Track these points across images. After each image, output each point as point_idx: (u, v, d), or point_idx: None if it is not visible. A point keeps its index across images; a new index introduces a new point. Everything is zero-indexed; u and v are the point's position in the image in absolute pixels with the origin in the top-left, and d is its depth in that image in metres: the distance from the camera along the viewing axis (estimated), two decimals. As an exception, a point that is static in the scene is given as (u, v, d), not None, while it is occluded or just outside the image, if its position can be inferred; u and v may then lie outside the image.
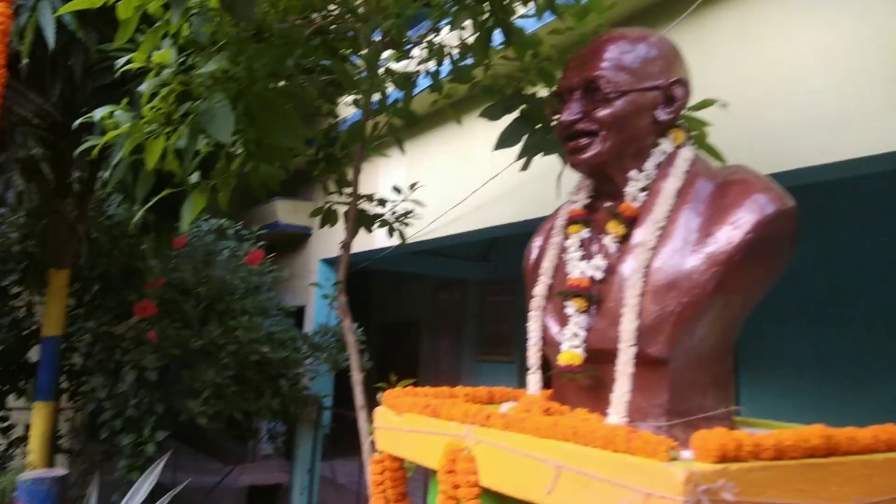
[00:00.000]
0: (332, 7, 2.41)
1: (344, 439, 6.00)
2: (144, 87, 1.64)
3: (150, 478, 3.21)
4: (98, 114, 1.70)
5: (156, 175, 2.01)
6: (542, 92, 2.30)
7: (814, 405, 4.42)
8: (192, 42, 1.87)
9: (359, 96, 2.48)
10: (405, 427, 1.32)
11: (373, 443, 2.10)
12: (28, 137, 2.70)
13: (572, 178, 1.66)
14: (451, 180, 4.82)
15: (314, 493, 5.25)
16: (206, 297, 4.43)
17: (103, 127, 1.81)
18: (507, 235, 5.03)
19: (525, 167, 2.26)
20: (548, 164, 2.23)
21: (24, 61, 2.41)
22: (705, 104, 1.98)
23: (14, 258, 4.08)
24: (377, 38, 2.45)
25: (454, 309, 8.58)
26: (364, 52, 2.41)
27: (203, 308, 4.40)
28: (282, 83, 2.12)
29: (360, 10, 2.42)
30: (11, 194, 2.66)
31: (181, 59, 1.72)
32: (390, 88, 2.50)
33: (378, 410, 1.45)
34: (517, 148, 2.19)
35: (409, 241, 3.15)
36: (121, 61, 1.69)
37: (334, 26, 2.38)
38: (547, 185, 2.33)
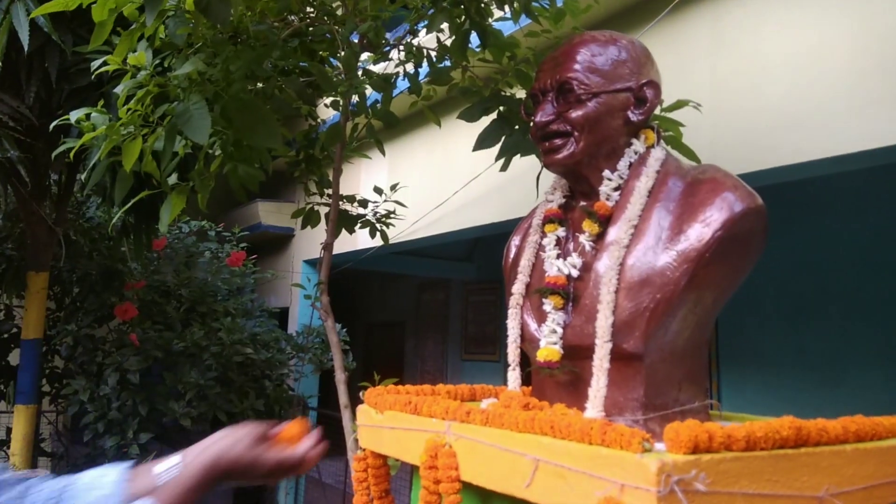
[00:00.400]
0: (309, 9, 2.42)
1: (329, 439, 5.98)
2: (121, 89, 1.64)
3: (133, 481, 3.18)
4: (74, 116, 1.69)
5: (134, 177, 2.01)
6: (520, 93, 2.33)
7: (792, 400, 4.49)
8: (169, 44, 1.87)
9: (337, 98, 2.49)
10: (387, 424, 1.33)
11: (356, 441, 2.11)
12: (4, 140, 2.68)
13: (551, 178, 1.68)
14: (433, 181, 4.83)
15: (300, 493, 5.24)
16: (188, 299, 4.40)
17: (80, 129, 1.80)
18: (490, 236, 5.06)
19: (504, 168, 2.28)
20: (528, 164, 2.26)
21: (-1, 64, 2.39)
22: (679, 105, 2.01)
23: (-8, 261, 4.04)
24: (355, 39, 2.46)
25: (438, 309, 8.61)
26: (342, 53, 2.42)
27: (185, 310, 4.38)
28: (259, 85, 2.12)
29: (338, 12, 2.43)
30: (-11, 198, 2.65)
31: (157, 62, 1.72)
32: (369, 91, 2.51)
33: (361, 408, 1.46)
34: (497, 148, 2.21)
35: (392, 241, 3.16)
36: (96, 63, 1.68)
37: (312, 28, 2.38)
38: (528, 186, 2.36)
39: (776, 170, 2.62)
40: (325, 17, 2.37)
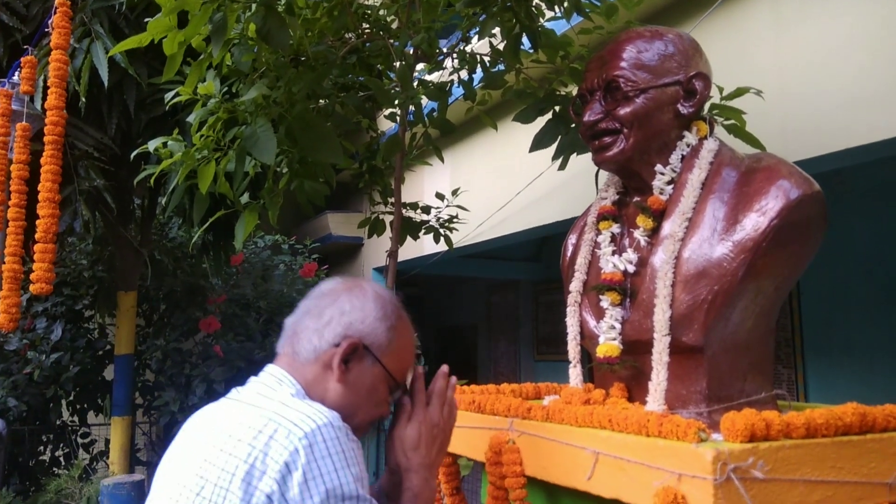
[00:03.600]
0: (364, 25, 2.50)
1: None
2: (194, 118, 1.75)
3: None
4: (152, 145, 1.82)
5: (210, 198, 2.14)
6: (575, 91, 2.33)
7: (886, 390, 4.26)
8: (235, 71, 1.99)
9: (395, 110, 2.56)
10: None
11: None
12: (90, 170, 2.89)
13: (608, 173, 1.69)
14: (495, 183, 4.86)
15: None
16: (266, 310, 4.59)
17: (159, 156, 1.94)
18: (557, 234, 5.04)
19: (562, 166, 2.29)
20: (589, 160, 2.25)
21: (83, 100, 2.59)
22: (740, 92, 1.97)
23: (85, 283, 4.35)
24: (409, 51, 2.52)
25: (509, 310, 8.61)
26: (398, 65, 2.49)
27: (264, 321, 4.57)
28: (321, 102, 2.21)
29: (393, 25, 2.50)
30: (79, 224, 2.87)
31: (225, 89, 1.83)
32: (425, 100, 2.57)
33: (428, 410, 1.51)
34: (554, 147, 2.23)
35: (457, 245, 3.21)
36: (170, 95, 1.81)
37: (368, 44, 2.46)
38: (590, 182, 2.35)
39: (853, 150, 2.51)
40: (381, 32, 2.45)
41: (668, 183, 1.25)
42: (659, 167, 1.26)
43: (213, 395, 4.03)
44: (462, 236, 3.46)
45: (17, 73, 2.07)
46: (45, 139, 1.59)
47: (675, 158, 1.26)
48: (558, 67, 2.36)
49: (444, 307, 10.18)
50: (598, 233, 1.35)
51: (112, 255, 3.92)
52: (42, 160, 1.55)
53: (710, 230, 1.15)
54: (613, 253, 1.28)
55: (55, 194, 1.52)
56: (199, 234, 2.18)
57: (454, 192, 3.20)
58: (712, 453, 0.80)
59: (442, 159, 2.86)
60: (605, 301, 1.24)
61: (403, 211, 2.73)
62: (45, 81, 2.46)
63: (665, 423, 0.88)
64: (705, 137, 1.28)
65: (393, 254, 2.69)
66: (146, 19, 1.80)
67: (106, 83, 2.42)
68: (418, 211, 3.02)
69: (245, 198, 2.04)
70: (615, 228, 1.32)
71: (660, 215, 1.23)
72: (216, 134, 1.84)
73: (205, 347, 4.17)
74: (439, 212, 3.14)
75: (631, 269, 1.24)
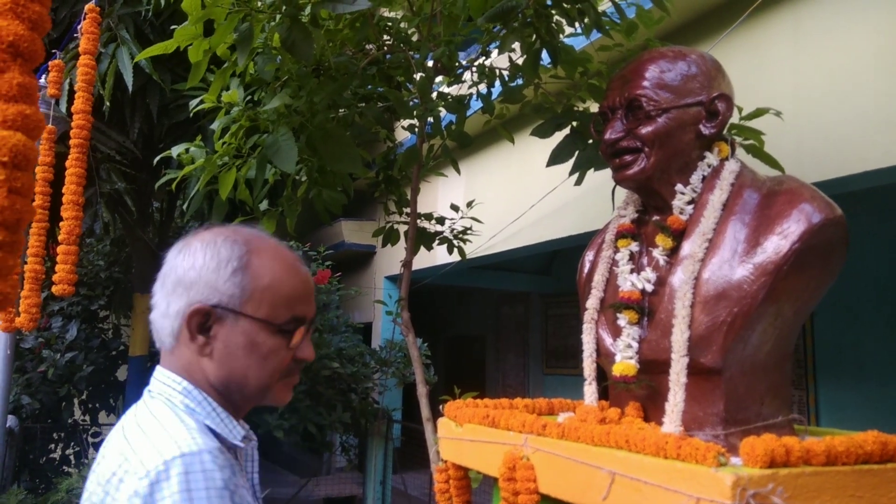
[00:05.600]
0: (385, 37, 2.52)
1: (414, 452, 6.09)
2: (217, 125, 1.78)
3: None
4: (175, 151, 1.84)
5: (228, 203, 2.16)
6: (594, 107, 2.34)
7: (898, 414, 4.22)
8: (257, 79, 2.02)
9: (413, 121, 2.58)
10: (467, 437, 1.38)
11: (437, 453, 2.16)
12: (111, 173, 2.92)
13: (627, 191, 1.69)
14: (509, 196, 4.87)
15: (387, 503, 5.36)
16: (278, 317, 4.60)
17: (180, 161, 1.96)
18: (568, 248, 5.04)
19: (579, 182, 2.29)
20: (605, 175, 2.26)
21: (107, 103, 2.63)
22: (759, 113, 1.97)
23: (101, 284, 4.39)
24: (430, 63, 2.54)
25: (518, 322, 8.60)
26: (418, 77, 2.51)
27: (275, 327, 4.57)
28: (341, 112, 2.23)
29: (413, 38, 2.53)
30: (98, 226, 2.89)
31: (247, 97, 1.85)
32: (443, 112, 2.59)
33: (441, 421, 1.51)
34: (571, 162, 2.23)
35: (470, 256, 3.21)
36: (194, 102, 1.83)
37: (389, 56, 2.48)
38: (605, 197, 2.36)
39: (867, 174, 2.51)
40: (401, 45, 2.47)
41: (689, 203, 1.25)
42: (679, 187, 1.26)
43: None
44: (474, 248, 3.46)
45: (43, 77, 2.11)
46: (71, 142, 1.61)
47: (695, 178, 1.26)
48: (576, 83, 2.37)
49: (453, 317, 10.17)
50: (617, 250, 1.35)
51: (129, 256, 3.96)
52: (67, 163, 1.57)
53: (730, 252, 1.15)
54: (632, 271, 1.28)
55: (79, 197, 1.54)
56: (218, 240, 2.19)
57: (469, 205, 3.21)
58: (732, 478, 0.80)
59: (458, 171, 2.87)
60: (623, 319, 1.23)
61: (418, 221, 2.74)
62: (70, 85, 2.50)
63: (684, 446, 0.88)
64: (727, 158, 1.28)
65: (407, 264, 2.70)
66: (172, 27, 1.84)
67: (130, 88, 2.45)
68: (433, 222, 3.03)
69: (264, 205, 2.06)
70: (634, 246, 1.32)
71: (679, 235, 1.23)
72: (238, 141, 1.86)
73: (217, 351, 4.18)
74: (453, 223, 3.15)
75: (649, 287, 1.24)
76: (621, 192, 2.08)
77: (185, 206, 2.17)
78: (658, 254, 1.24)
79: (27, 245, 1.67)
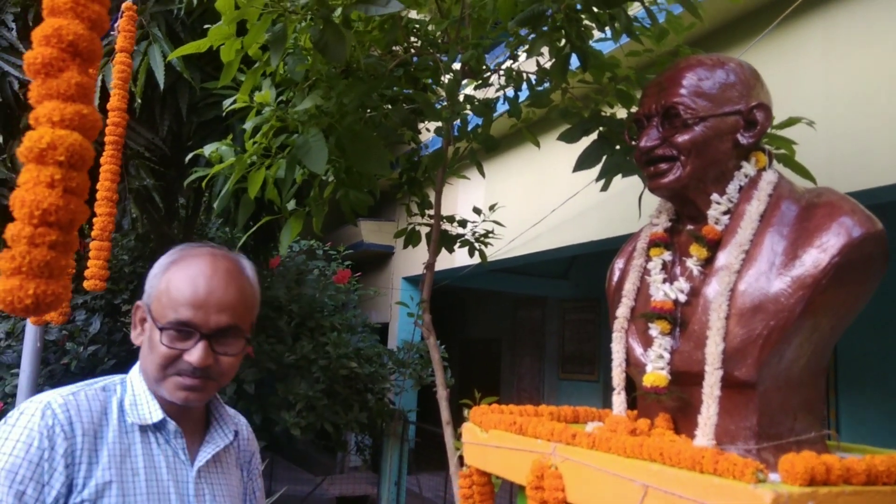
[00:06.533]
0: (413, 39, 2.53)
1: (429, 454, 6.09)
2: (249, 125, 1.78)
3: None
4: (208, 149, 1.86)
5: (254, 203, 2.17)
6: (621, 113, 2.32)
7: (922, 431, 4.14)
8: (287, 80, 2.03)
9: (439, 124, 2.58)
10: (492, 443, 1.37)
11: (460, 458, 2.16)
12: (140, 169, 2.95)
13: (654, 197, 1.67)
14: (529, 200, 4.86)
15: (400, 506, 5.36)
16: (298, 314, 4.64)
17: (208, 159, 1.97)
18: (587, 253, 5.02)
19: (605, 188, 2.28)
20: (628, 181, 2.25)
21: (138, 101, 2.65)
22: (791, 122, 1.95)
23: (125, 278, 4.44)
24: (457, 66, 2.54)
25: (535, 326, 8.57)
26: (445, 79, 2.50)
27: (295, 324, 4.61)
28: (369, 113, 2.24)
29: (441, 40, 2.53)
30: (127, 221, 2.92)
31: (277, 97, 1.86)
32: (470, 115, 2.58)
33: (466, 426, 1.51)
34: (596, 168, 2.22)
35: (490, 259, 3.21)
36: (228, 101, 1.84)
37: (416, 58, 2.49)
38: (627, 203, 2.34)
39: (898, 185, 2.47)
40: (429, 48, 2.47)
41: (724, 213, 1.24)
42: (715, 196, 1.25)
43: (242, 394, 4.08)
44: (494, 251, 3.45)
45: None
46: (106, 139, 1.63)
47: (732, 188, 1.25)
48: (602, 88, 2.36)
49: (469, 320, 10.16)
50: (649, 259, 1.33)
51: (154, 252, 4.00)
52: (102, 160, 1.59)
53: (767, 264, 1.14)
54: (664, 281, 1.27)
55: (113, 193, 1.56)
56: (246, 238, 2.21)
57: (491, 208, 3.21)
58: (771, 495, 0.78)
59: (483, 174, 2.87)
60: (655, 329, 1.22)
61: (440, 224, 2.74)
62: (102, 82, 2.53)
63: (721, 461, 0.87)
64: (764, 169, 1.26)
65: (430, 266, 2.70)
66: (206, 26, 1.85)
67: (162, 85, 2.48)
68: (455, 224, 3.03)
69: (291, 204, 2.07)
70: (666, 256, 1.30)
71: (714, 245, 1.22)
72: (268, 141, 1.87)
73: (237, 348, 4.22)
74: (475, 226, 3.14)
75: (682, 298, 1.22)
76: (650, 200, 2.06)
77: (214, 204, 2.19)
78: (692, 264, 1.23)
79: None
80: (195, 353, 1.05)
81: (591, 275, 7.33)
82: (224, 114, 2.03)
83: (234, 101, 1.82)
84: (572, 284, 7.80)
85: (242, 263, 1.18)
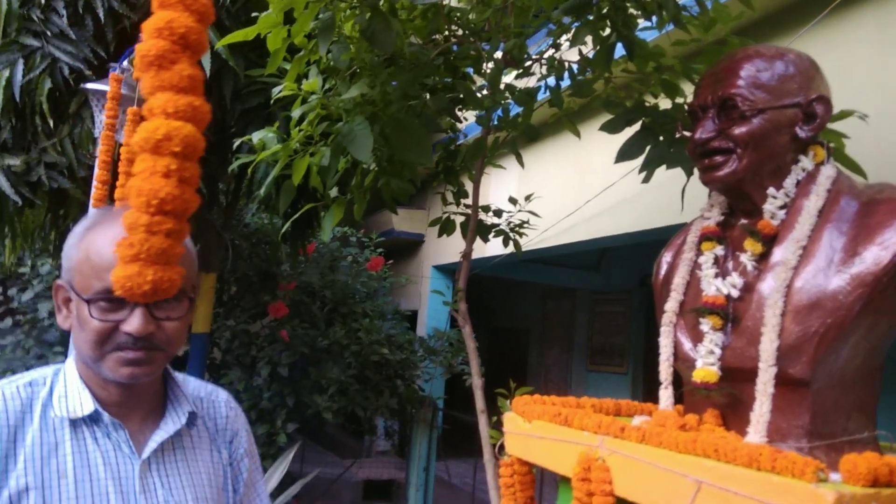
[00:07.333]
0: (453, 27, 2.51)
1: (456, 441, 6.12)
2: (296, 113, 1.80)
3: (281, 466, 3.45)
4: (256, 137, 1.88)
5: (295, 189, 2.19)
6: (664, 103, 2.29)
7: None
8: (332, 68, 2.03)
9: (480, 112, 2.57)
10: (535, 433, 1.37)
11: (494, 447, 2.17)
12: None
13: (697, 190, 1.65)
14: (563, 190, 4.82)
15: (429, 491, 5.40)
16: (331, 300, 4.69)
17: (251, 146, 2.00)
18: (619, 246, 4.97)
19: (647, 179, 2.25)
20: (664, 175, 2.22)
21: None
22: (843, 115, 1.90)
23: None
24: (498, 54, 2.53)
25: (564, 317, 8.53)
26: (486, 68, 2.49)
27: (328, 310, 4.66)
28: (412, 103, 2.24)
29: (483, 28, 2.51)
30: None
31: (323, 85, 1.87)
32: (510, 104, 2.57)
33: (508, 416, 1.51)
34: (634, 159, 2.19)
35: (522, 249, 3.20)
36: (276, 89, 1.86)
37: (459, 47, 2.48)
38: (662, 196, 2.32)
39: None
40: (471, 36, 2.46)
41: (781, 208, 1.21)
42: (771, 190, 1.23)
43: (276, 377, 4.15)
44: (527, 241, 3.44)
45: (127, 59, 2.17)
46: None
47: (789, 183, 1.22)
48: (645, 77, 2.32)
49: (498, 309, 10.16)
50: (700, 253, 1.32)
51: (194, 236, 4.07)
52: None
53: (825, 260, 1.12)
54: (716, 275, 1.25)
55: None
56: (289, 224, 2.24)
57: (527, 198, 3.19)
58: (834, 495, 0.78)
59: (522, 164, 2.86)
60: (706, 325, 1.21)
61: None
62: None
63: (780, 459, 0.86)
64: (822, 163, 1.23)
65: (467, 255, 2.71)
66: (254, 14, 1.86)
67: (208, 72, 2.50)
68: (490, 214, 3.03)
69: (334, 191, 2.08)
70: (719, 250, 1.29)
71: (770, 241, 1.20)
72: (312, 129, 1.89)
73: (272, 331, 4.29)
74: (511, 216, 3.14)
75: (735, 293, 1.21)
76: (694, 192, 2.03)
77: (260, 191, 2.22)
78: (746, 259, 1.21)
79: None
80: (133, 322, 0.91)
81: (623, 267, 7.26)
82: (271, 101, 2.05)
83: (282, 89, 1.83)
84: (603, 276, 7.73)
85: None
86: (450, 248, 6.15)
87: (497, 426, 2.32)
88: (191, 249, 1.02)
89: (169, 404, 1.07)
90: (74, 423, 0.96)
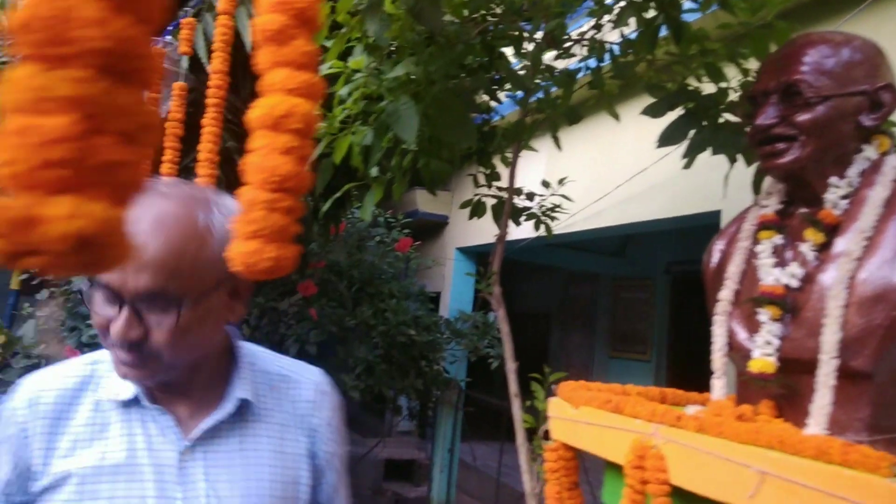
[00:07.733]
0: (492, 6, 2.48)
1: (480, 424, 6.15)
2: (344, 91, 1.79)
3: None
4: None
5: (332, 168, 2.19)
6: (708, 87, 2.25)
7: None
8: (374, 46, 2.02)
9: (518, 94, 2.54)
10: (583, 420, 1.37)
11: (530, 431, 2.17)
12: (224, 132, 2.98)
13: (741, 176, 1.62)
14: (592, 175, 4.78)
15: (453, 472, 5.45)
16: (359, 280, 4.71)
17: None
18: (644, 232, 4.92)
19: (688, 165, 2.22)
20: (696, 161, 2.18)
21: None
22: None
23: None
24: (538, 34, 2.49)
25: (586, 303, 8.50)
26: (528, 48, 2.46)
27: (356, 290, 4.69)
28: (453, 83, 2.22)
29: (522, 8, 2.47)
30: (210, 184, 2.99)
31: (372, 63, 1.86)
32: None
33: (553, 401, 1.51)
34: (679, 144, 2.16)
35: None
36: (323, 67, 1.85)
37: (499, 27, 2.44)
38: (694, 182, 2.28)
39: None
40: (512, 16, 2.43)
41: (843, 197, 1.19)
42: (833, 179, 1.20)
43: (304, 355, 4.19)
44: (555, 225, 3.42)
45: (170, 34, 2.16)
46: (207, 101, 1.65)
47: (852, 172, 1.19)
48: (687, 60, 2.28)
49: (519, 293, 10.14)
50: (757, 242, 1.29)
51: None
52: (203, 121, 1.61)
53: (891, 252, 1.09)
54: (775, 265, 1.23)
55: (214, 155, 1.59)
56: (329, 203, 2.24)
57: (561, 181, 3.17)
58: (912, 491, 0.76)
59: (559, 147, 2.83)
60: (764, 315, 1.19)
61: (504, 195, 2.73)
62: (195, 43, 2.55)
63: (851, 452, 0.85)
64: (887, 153, 1.20)
65: (501, 238, 2.70)
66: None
67: (248, 48, 2.49)
68: (522, 196, 3.01)
69: (374, 171, 2.08)
70: (777, 239, 1.26)
71: (832, 231, 1.17)
72: (356, 107, 1.88)
73: (300, 309, 4.32)
74: (543, 199, 3.12)
75: (794, 283, 1.19)
76: (739, 179, 1.99)
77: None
78: (806, 249, 1.19)
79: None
80: (115, 324, 0.84)
81: (648, 254, 7.20)
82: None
83: (328, 67, 1.82)
84: (627, 262, 7.68)
85: (192, 207, 0.90)
86: (474, 231, 6.13)
87: (528, 410, 2.32)
88: (206, 242, 0.89)
89: (229, 388, 0.99)
90: (126, 405, 0.93)
